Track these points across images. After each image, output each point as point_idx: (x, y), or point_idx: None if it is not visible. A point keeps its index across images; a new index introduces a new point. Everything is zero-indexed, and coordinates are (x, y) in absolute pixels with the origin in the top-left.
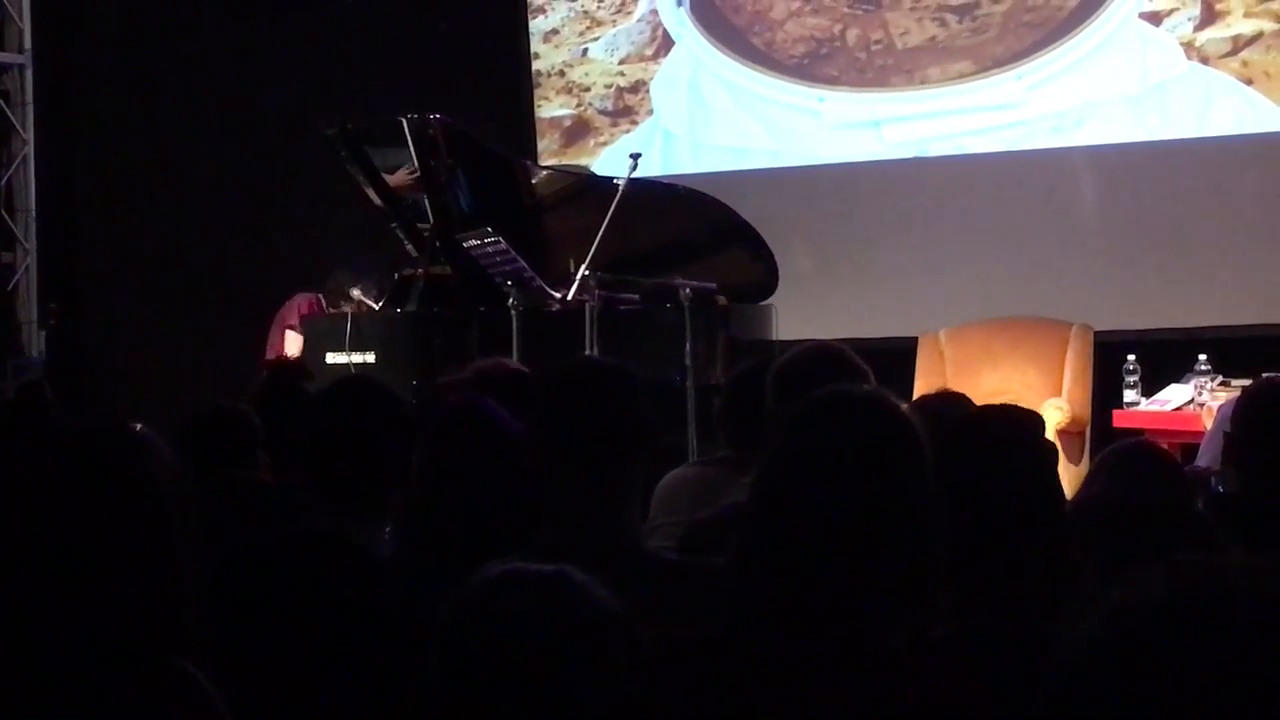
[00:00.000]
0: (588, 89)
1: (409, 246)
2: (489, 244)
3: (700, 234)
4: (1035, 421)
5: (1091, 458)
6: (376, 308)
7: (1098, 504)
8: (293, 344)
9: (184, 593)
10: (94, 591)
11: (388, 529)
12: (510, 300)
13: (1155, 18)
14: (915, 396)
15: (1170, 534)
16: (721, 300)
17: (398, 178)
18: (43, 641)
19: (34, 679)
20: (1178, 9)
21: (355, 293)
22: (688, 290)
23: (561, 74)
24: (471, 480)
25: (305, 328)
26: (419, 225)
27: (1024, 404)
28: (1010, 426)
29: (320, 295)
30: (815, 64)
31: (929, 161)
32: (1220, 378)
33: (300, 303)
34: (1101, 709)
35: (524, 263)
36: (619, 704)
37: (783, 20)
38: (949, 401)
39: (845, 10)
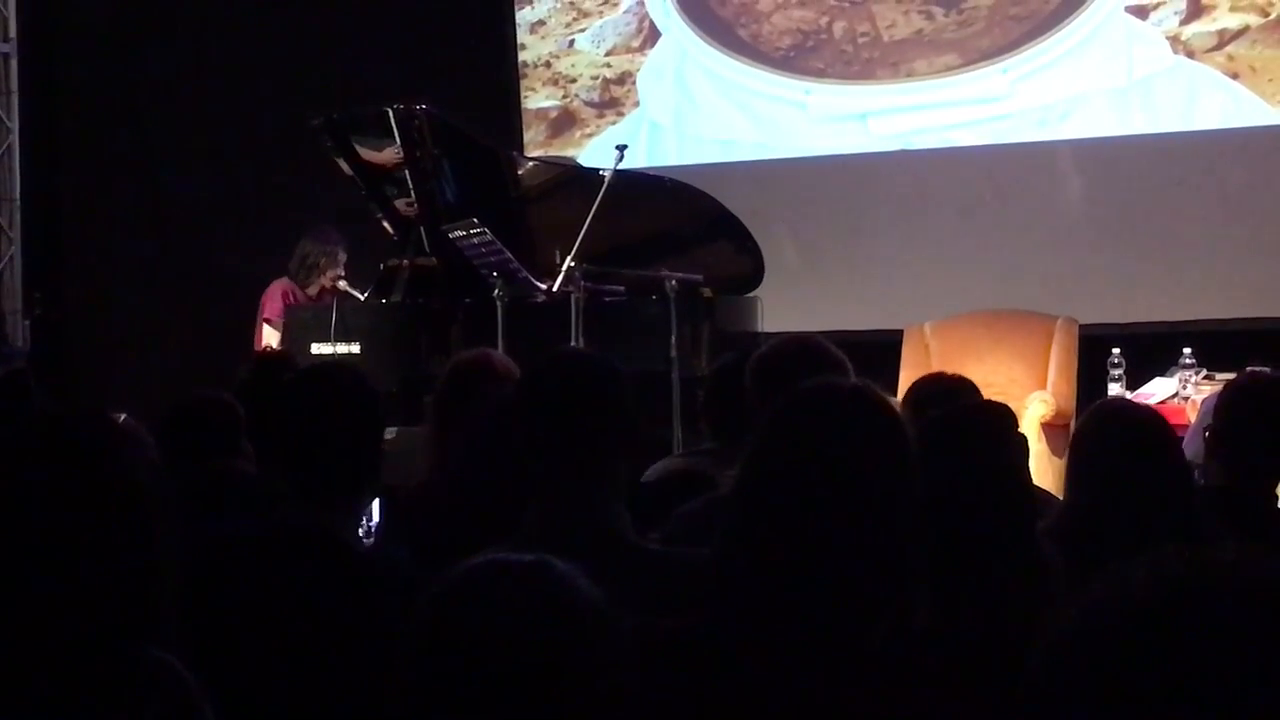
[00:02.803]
0: (574, 80)
1: (395, 236)
2: (474, 235)
3: (686, 226)
4: (1008, 417)
5: None
6: (361, 298)
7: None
8: (270, 338)
9: (162, 583)
10: (70, 581)
11: (368, 515)
12: (496, 291)
13: (1141, 11)
14: (915, 379)
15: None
16: (707, 292)
17: (383, 156)
18: (19, 632)
19: (10, 670)
20: (1164, 3)
21: (342, 285)
22: (673, 282)
23: (548, 65)
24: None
25: (288, 318)
26: (404, 207)
27: (1009, 397)
28: (983, 422)
29: (294, 283)
30: (801, 56)
31: (915, 154)
32: (1204, 371)
33: (276, 292)
34: (1085, 701)
35: (509, 254)
36: (600, 694)
37: (769, 12)
38: (951, 385)
39: (832, 3)
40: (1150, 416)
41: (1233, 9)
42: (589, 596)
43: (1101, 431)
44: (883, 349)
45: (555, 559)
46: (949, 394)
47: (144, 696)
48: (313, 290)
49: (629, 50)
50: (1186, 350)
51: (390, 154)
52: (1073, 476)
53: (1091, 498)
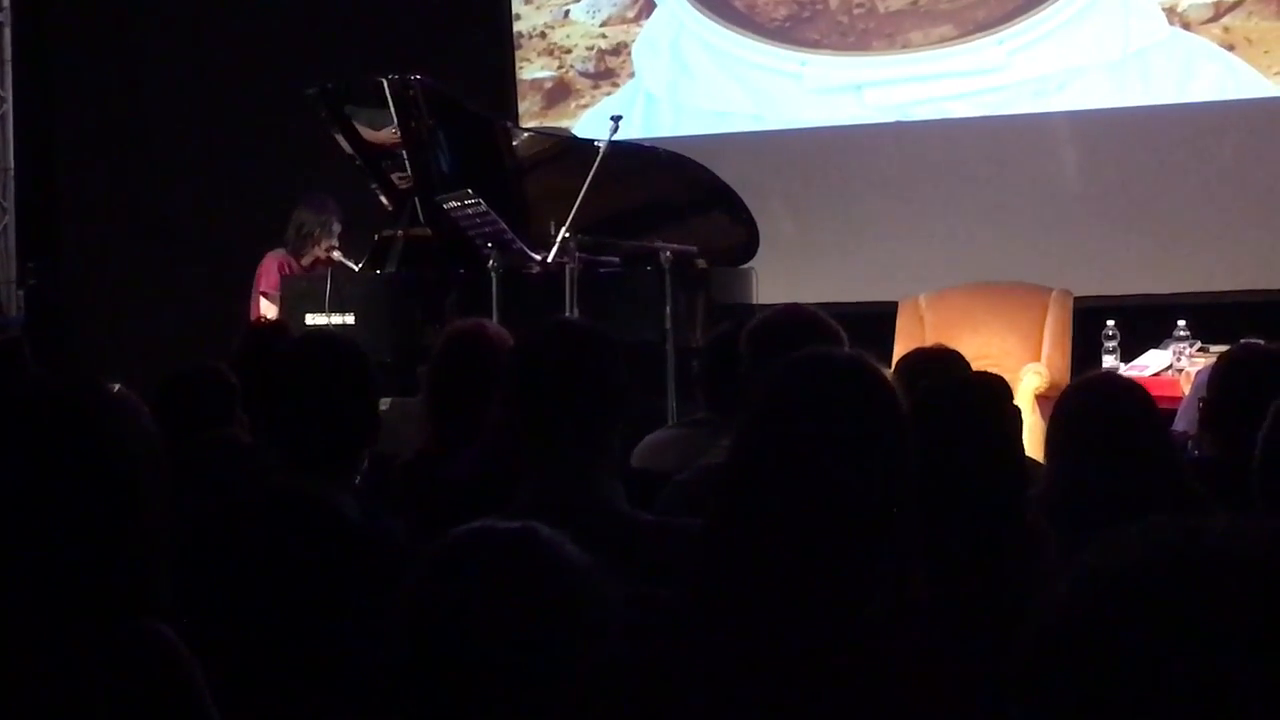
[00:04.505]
0: (569, 51)
1: (390, 207)
2: (469, 205)
3: (681, 197)
4: (1003, 389)
5: None
6: (355, 268)
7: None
8: (267, 310)
9: (156, 552)
10: (64, 551)
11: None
12: (490, 262)
13: None
14: (904, 353)
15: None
16: (702, 263)
17: (381, 135)
18: (12, 600)
19: (3, 640)
20: None
21: (337, 255)
22: (668, 253)
23: (543, 35)
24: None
25: (283, 289)
26: (399, 180)
27: (1003, 369)
28: (979, 394)
29: (289, 254)
30: (797, 27)
31: (910, 126)
32: (1198, 343)
33: (271, 265)
34: (1078, 672)
35: (504, 225)
36: (586, 659)
37: None
38: (940, 358)
39: None
40: (1131, 389)
41: None
42: (575, 562)
43: (1082, 405)
44: (877, 321)
45: (542, 526)
46: (939, 366)
47: (138, 666)
48: (306, 261)
49: (624, 21)
50: (1181, 322)
51: (387, 134)
52: (1052, 449)
53: (1073, 471)
